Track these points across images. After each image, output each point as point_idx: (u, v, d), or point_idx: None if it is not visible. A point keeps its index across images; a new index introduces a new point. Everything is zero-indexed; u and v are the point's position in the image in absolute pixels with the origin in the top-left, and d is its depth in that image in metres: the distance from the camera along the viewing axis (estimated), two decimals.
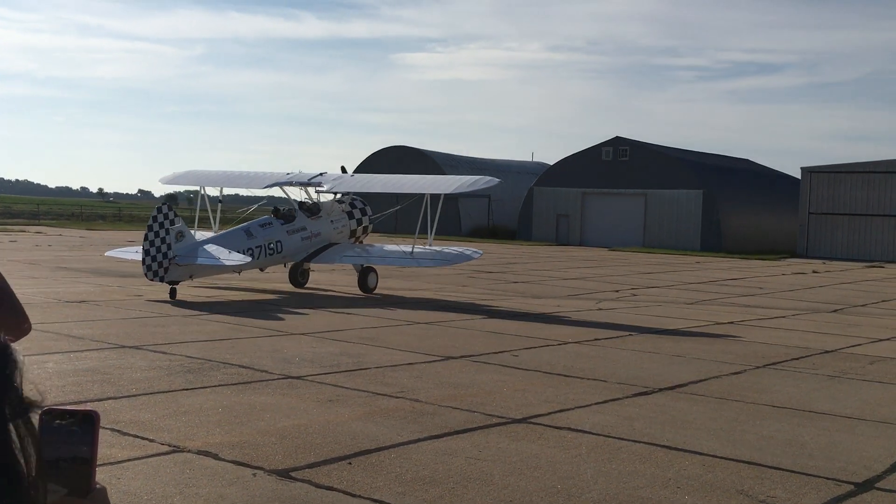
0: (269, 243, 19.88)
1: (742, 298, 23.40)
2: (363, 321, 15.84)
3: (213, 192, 23.21)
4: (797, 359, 13.26)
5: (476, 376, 10.88)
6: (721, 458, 7.45)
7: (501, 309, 18.82)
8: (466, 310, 18.43)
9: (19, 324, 2.29)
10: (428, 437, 7.73)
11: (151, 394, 9.10)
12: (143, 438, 7.31)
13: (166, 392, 9.20)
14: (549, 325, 16.44)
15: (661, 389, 10.47)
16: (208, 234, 20.08)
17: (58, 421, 1.83)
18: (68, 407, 1.81)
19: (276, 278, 22.65)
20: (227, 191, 23.84)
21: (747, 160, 70.54)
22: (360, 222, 22.60)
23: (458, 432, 7.97)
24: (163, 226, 17.75)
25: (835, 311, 20.99)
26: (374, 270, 21.11)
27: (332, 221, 21.71)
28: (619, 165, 57.38)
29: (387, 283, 22.49)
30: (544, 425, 8.38)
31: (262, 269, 21.08)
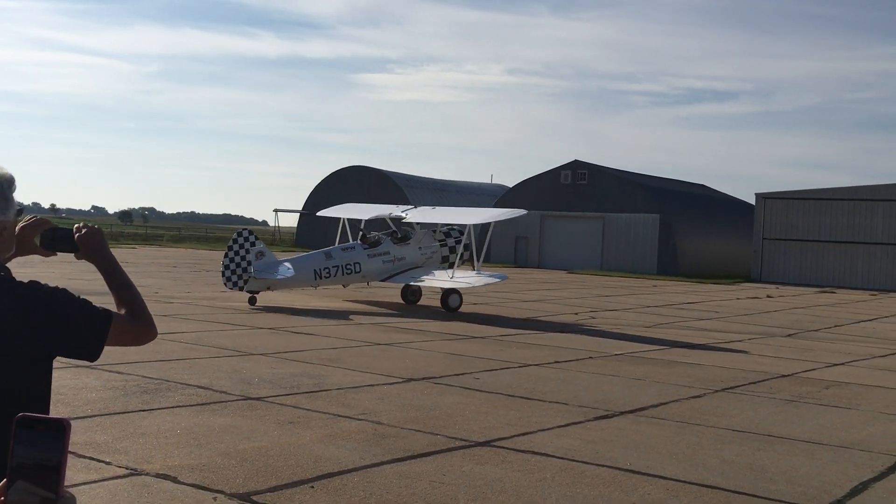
0: (347, 264, 23.19)
1: (699, 322, 23.64)
2: (324, 342, 15.70)
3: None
4: (755, 383, 13.40)
5: (438, 399, 10.81)
6: (684, 482, 7.47)
7: (462, 331, 18.78)
8: (427, 331, 18.36)
9: (150, 333, 2.84)
10: (391, 461, 7.65)
11: (107, 415, 8.90)
12: (99, 461, 7.13)
13: (122, 413, 9.00)
14: (510, 347, 16.43)
15: (622, 413, 10.50)
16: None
17: (30, 428, 1.84)
18: (40, 416, 1.84)
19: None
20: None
21: (703, 185, 71.57)
22: (453, 250, 24.84)
23: (421, 455, 7.90)
24: (242, 246, 21.77)
25: (789, 335, 21.29)
26: (456, 292, 23.01)
27: (420, 248, 24.39)
28: (577, 189, 57.86)
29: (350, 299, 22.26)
30: (507, 448, 8.34)
31: (344, 286, 24.62)
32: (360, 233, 24.33)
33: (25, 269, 3.14)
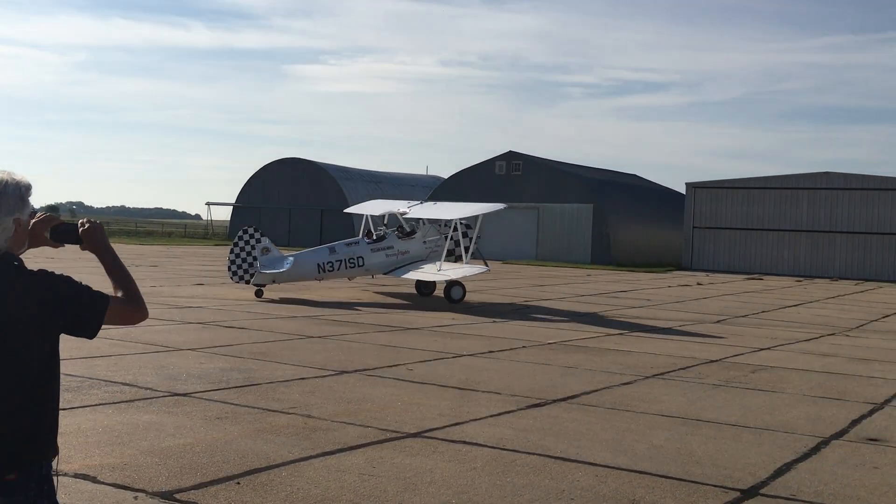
0: (350, 258, 24.17)
1: (631, 310, 23.96)
2: (255, 335, 15.47)
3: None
4: (684, 368, 13.61)
5: (370, 390, 10.72)
6: (613, 468, 7.52)
7: (397, 322, 18.70)
8: (362, 323, 18.24)
9: (142, 314, 3.35)
10: (320, 454, 7.54)
11: None
12: None
13: None
14: (444, 338, 16.41)
15: (554, 401, 10.55)
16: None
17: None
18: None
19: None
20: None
21: (635, 175, 72.58)
22: (458, 243, 25.25)
23: (351, 448, 7.81)
24: (248, 242, 23.16)
25: (718, 321, 21.71)
26: (458, 284, 23.68)
27: (424, 242, 25.15)
28: (512, 179, 58.15)
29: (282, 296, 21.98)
30: (439, 439, 8.30)
31: (349, 279, 25.47)
32: (368, 230, 25.56)
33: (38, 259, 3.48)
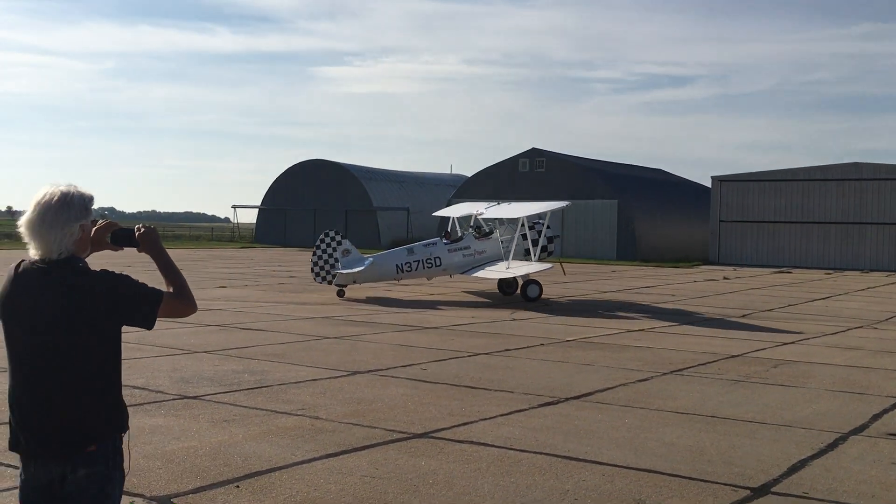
0: (428, 259, 24.90)
1: (654, 306, 23.70)
2: (271, 337, 15.45)
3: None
4: (703, 364, 13.39)
5: (381, 391, 10.64)
6: (621, 466, 7.37)
7: (415, 322, 18.62)
8: (379, 323, 18.18)
9: (191, 308, 3.81)
10: (324, 456, 7.47)
11: None
12: (14, 467, 6.85)
13: None
14: (461, 336, 16.31)
15: (567, 399, 10.41)
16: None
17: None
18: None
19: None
20: None
21: (661, 170, 71.98)
22: (535, 242, 25.55)
23: (356, 449, 7.73)
24: (329, 245, 24.37)
25: (743, 315, 21.40)
26: (535, 282, 24.03)
27: (501, 242, 25.47)
28: (535, 176, 57.89)
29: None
30: (446, 439, 8.20)
31: (427, 279, 26.06)
32: (445, 231, 26.35)
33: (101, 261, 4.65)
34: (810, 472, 7.40)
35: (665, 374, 12.47)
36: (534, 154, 58.81)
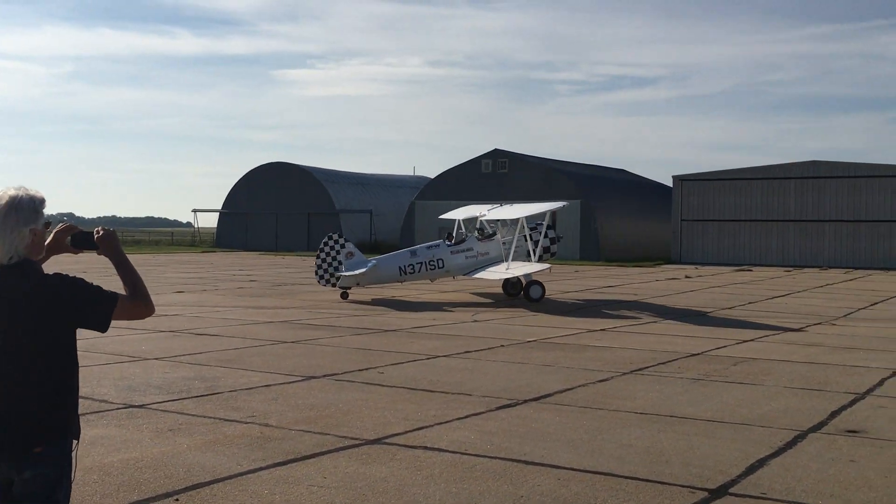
0: (431, 261, 25.02)
1: (616, 305, 23.64)
2: (226, 342, 15.11)
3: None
4: (663, 363, 13.29)
5: (335, 396, 10.38)
6: (578, 470, 7.19)
7: (373, 325, 18.36)
8: (337, 326, 17.89)
9: (148, 310, 3.77)
10: (271, 465, 7.20)
11: None
12: None
13: None
14: (421, 339, 16.08)
15: (525, 401, 10.22)
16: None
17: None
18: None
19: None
20: None
21: (623, 170, 72.31)
22: (538, 244, 25.56)
23: (305, 458, 7.47)
24: (333, 248, 24.71)
25: (704, 314, 21.40)
26: (538, 283, 24.13)
27: (503, 244, 25.53)
28: (498, 177, 57.84)
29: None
30: (399, 445, 7.96)
31: (431, 281, 26.27)
32: (448, 233, 26.67)
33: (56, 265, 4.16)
34: (769, 471, 7.27)
35: (625, 373, 12.34)
36: (496, 155, 58.76)
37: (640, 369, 12.70)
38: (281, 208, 69.13)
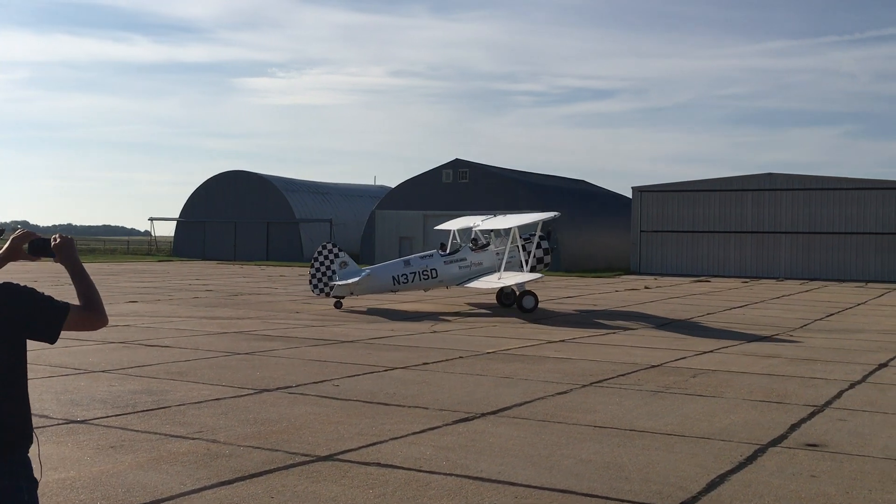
0: (424, 270, 25.04)
1: (574, 316, 23.55)
2: (178, 354, 14.70)
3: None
4: (623, 375, 13.16)
5: (288, 410, 10.08)
6: (535, 487, 6.98)
7: (330, 336, 18.03)
8: (294, 338, 17.54)
9: (101, 321, 3.72)
10: (216, 484, 6.89)
11: None
12: None
13: None
14: (379, 350, 15.81)
15: (483, 414, 10.01)
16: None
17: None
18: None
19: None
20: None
21: (583, 181, 72.63)
22: (531, 254, 25.52)
23: (253, 476, 7.17)
24: (327, 257, 24.86)
25: (662, 325, 21.39)
26: (530, 294, 24.09)
27: (497, 254, 25.59)
28: (459, 187, 57.74)
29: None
30: (352, 462, 7.70)
31: (424, 290, 26.21)
32: (441, 243, 26.79)
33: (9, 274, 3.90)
34: (729, 487, 7.12)
35: (584, 386, 12.18)
36: (457, 165, 58.66)
37: (599, 381, 12.55)
38: (239, 217, 68.38)
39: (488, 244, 26.31)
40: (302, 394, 11.16)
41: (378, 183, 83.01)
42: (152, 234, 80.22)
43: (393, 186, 65.31)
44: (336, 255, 25.07)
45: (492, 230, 26.73)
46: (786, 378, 13.15)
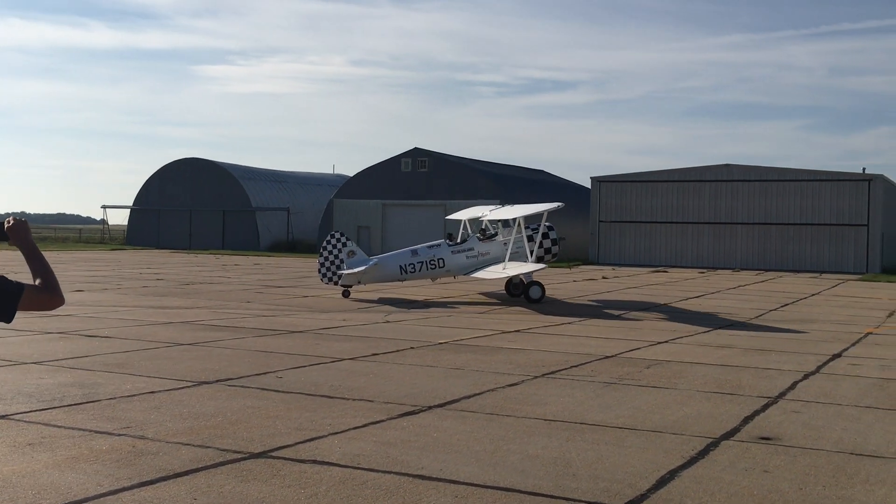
0: (431, 260, 25.14)
1: (530, 306, 23.29)
2: (117, 345, 14.14)
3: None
4: (576, 366, 12.88)
5: (225, 403, 9.62)
6: (478, 485, 6.63)
7: (278, 326, 17.56)
8: (240, 328, 17.03)
9: (57, 300, 3.87)
10: (137, 485, 6.44)
11: None
12: None
13: None
14: (329, 341, 15.37)
15: (430, 407, 9.64)
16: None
17: None
18: None
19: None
20: None
21: (542, 171, 72.59)
22: (539, 245, 25.42)
23: (178, 475, 6.73)
24: (335, 246, 25.14)
25: (619, 315, 21.20)
26: (537, 284, 24.13)
27: (504, 244, 25.39)
28: (418, 176, 57.30)
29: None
30: (286, 459, 7.28)
31: (432, 280, 26.26)
32: (449, 233, 26.94)
33: None
34: (680, 483, 6.83)
35: (536, 377, 11.87)
36: (416, 154, 58.20)
37: (552, 372, 12.26)
38: (195, 205, 67.26)
39: (496, 234, 26.30)
40: (242, 386, 10.71)
41: (338, 172, 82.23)
42: (106, 222, 78.70)
43: (351, 175, 64.72)
44: (344, 244, 25.25)
45: (500, 220, 26.60)
46: (740, 369, 12.96)
